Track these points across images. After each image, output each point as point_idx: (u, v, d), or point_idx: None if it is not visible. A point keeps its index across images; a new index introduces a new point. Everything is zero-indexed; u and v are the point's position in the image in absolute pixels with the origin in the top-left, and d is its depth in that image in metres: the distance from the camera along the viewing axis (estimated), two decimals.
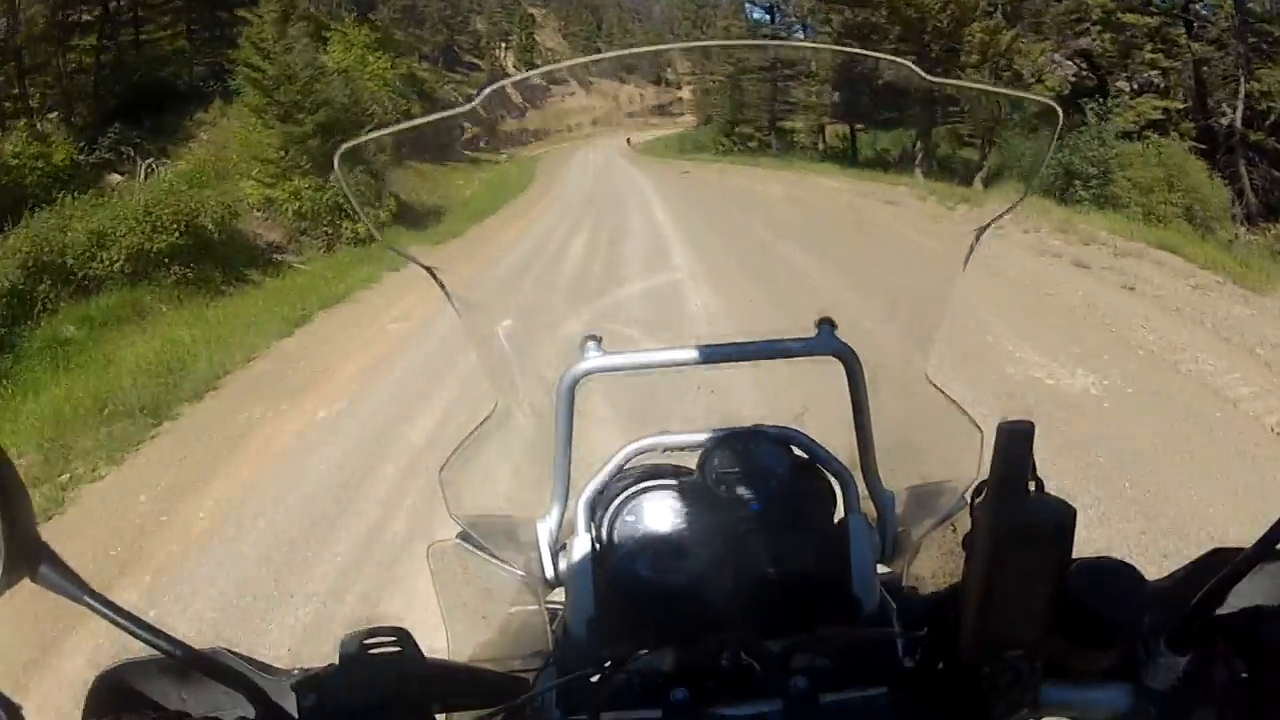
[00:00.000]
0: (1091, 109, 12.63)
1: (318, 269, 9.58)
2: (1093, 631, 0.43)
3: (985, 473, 0.39)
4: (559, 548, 0.68)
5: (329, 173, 10.32)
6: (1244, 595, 0.43)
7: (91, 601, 0.39)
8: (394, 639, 0.47)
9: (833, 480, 0.68)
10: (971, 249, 0.66)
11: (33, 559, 0.38)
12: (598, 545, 0.65)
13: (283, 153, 11.14)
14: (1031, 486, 0.40)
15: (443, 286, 0.63)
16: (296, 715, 0.44)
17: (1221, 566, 0.42)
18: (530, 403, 0.72)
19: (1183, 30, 13.62)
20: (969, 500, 0.44)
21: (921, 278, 0.74)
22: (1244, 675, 0.42)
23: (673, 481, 0.67)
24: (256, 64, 11.17)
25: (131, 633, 0.40)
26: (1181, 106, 13.29)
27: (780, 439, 0.68)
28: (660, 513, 0.66)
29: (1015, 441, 0.38)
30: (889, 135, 16.95)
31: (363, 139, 0.70)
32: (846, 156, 17.25)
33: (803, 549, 0.65)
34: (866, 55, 1.17)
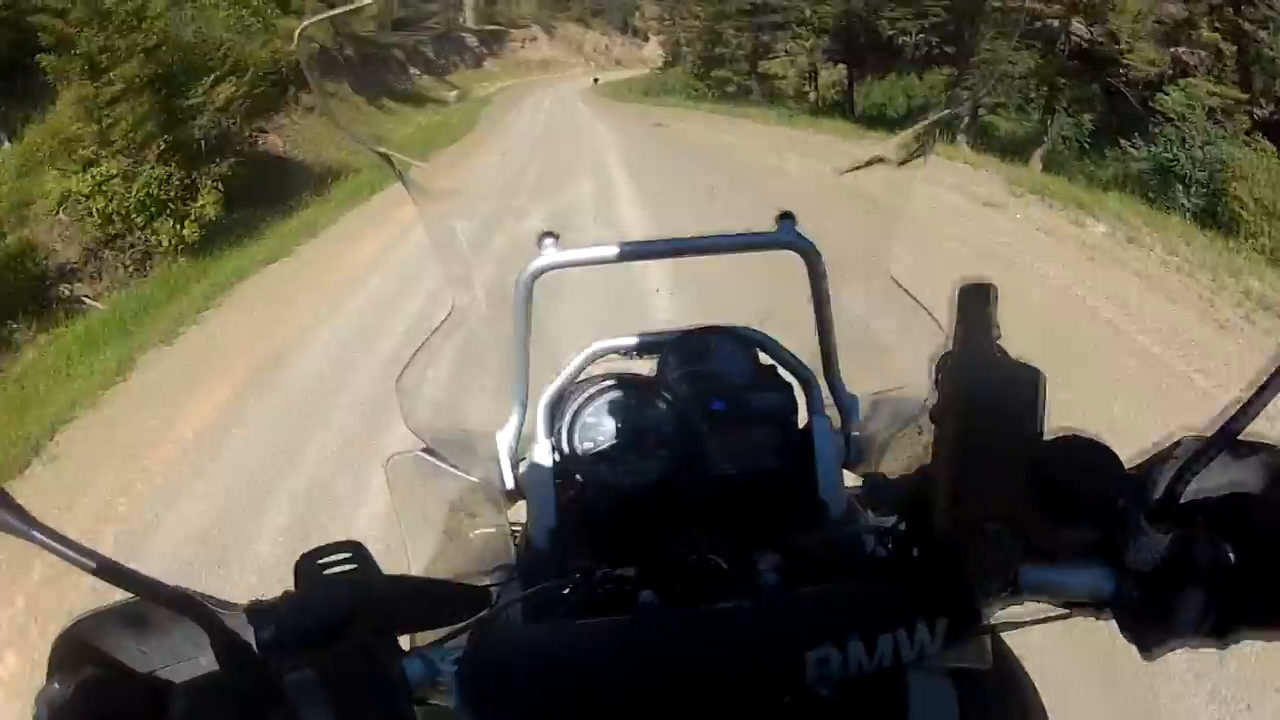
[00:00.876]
0: (1180, 94, 10.84)
1: (117, 309, 6.73)
2: (1069, 506, 0.46)
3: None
4: (519, 458, 0.73)
5: (148, 151, 8.19)
6: (1224, 483, 0.48)
7: (42, 538, 0.41)
8: (349, 555, 0.50)
9: (795, 383, 0.74)
10: (933, 138, 0.73)
11: None
12: (558, 453, 0.70)
13: (95, 126, 8.00)
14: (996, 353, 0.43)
15: (401, 177, 0.67)
16: (253, 645, 0.46)
17: (1189, 449, 0.45)
18: (487, 303, 0.77)
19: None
20: (933, 370, 0.46)
21: (884, 171, 0.80)
22: (1231, 559, 0.45)
23: (631, 382, 0.72)
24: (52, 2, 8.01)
25: (84, 566, 0.42)
26: (1243, 96, 12.86)
27: (740, 338, 0.75)
28: (620, 416, 0.71)
29: (977, 303, 0.41)
30: (884, 85, 16.81)
31: (322, 16, 0.73)
32: (841, 108, 16.41)
33: (767, 451, 0.71)
34: None
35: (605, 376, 0.74)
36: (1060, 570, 0.49)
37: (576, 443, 0.71)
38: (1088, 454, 0.47)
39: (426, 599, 0.55)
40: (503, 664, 0.49)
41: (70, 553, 0.42)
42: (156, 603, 0.45)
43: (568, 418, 0.71)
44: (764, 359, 0.76)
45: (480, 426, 0.75)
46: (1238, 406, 0.44)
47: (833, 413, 0.75)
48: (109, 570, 0.43)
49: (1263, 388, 0.43)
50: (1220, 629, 0.47)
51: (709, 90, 19.05)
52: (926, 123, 0.76)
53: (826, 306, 0.74)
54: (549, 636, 0.52)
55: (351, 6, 0.82)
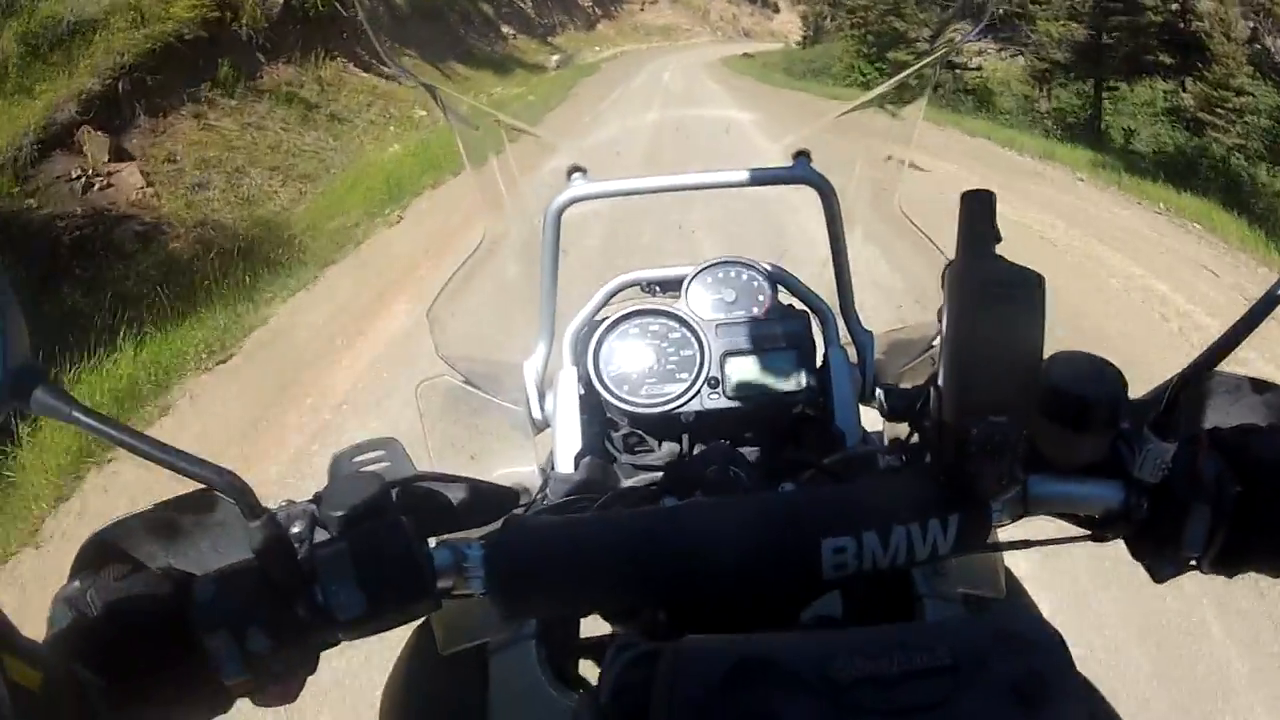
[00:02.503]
0: None
1: None
2: (1073, 415, 0.56)
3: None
4: (546, 385, 0.94)
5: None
6: (1228, 418, 0.60)
7: (87, 419, 0.48)
8: (382, 452, 0.63)
9: (812, 316, 0.93)
10: (936, 75, 0.91)
11: (27, 383, 0.47)
12: (582, 377, 0.90)
13: None
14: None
15: (443, 107, 0.87)
16: (281, 545, 0.54)
17: (1186, 378, 0.56)
18: (518, 234, 0.98)
19: None
20: (939, 277, 0.55)
21: (891, 107, 0.99)
22: (1235, 480, 0.56)
23: (653, 307, 0.92)
24: None
25: (127, 446, 0.49)
26: None
27: (761, 270, 0.94)
28: (643, 342, 0.91)
29: (979, 205, 0.50)
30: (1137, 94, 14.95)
31: None
32: (1069, 125, 14.92)
33: (784, 378, 0.89)
34: None
35: (628, 307, 0.94)
36: (1068, 483, 0.60)
37: (601, 368, 0.91)
38: (1093, 369, 0.57)
39: (457, 498, 0.66)
40: (529, 551, 0.59)
41: (111, 430, 0.49)
42: (197, 479, 0.52)
43: (592, 347, 0.91)
44: (782, 294, 0.95)
45: (509, 352, 0.96)
46: (1232, 329, 0.54)
47: (849, 346, 0.93)
48: (152, 448, 0.50)
49: (1254, 312, 0.53)
50: (1227, 555, 0.58)
51: (881, 76, 17.70)
52: (924, 63, 0.94)
53: (841, 241, 0.93)
54: (574, 525, 0.62)
55: None
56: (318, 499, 0.58)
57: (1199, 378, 0.56)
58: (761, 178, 0.95)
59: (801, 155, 0.94)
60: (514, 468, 0.89)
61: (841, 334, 0.94)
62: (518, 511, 0.67)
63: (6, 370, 0.46)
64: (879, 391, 0.74)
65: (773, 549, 0.57)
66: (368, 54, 12.19)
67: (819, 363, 0.92)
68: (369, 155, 9.82)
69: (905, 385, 0.83)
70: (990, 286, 0.50)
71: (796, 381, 0.91)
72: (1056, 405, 0.56)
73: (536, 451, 0.92)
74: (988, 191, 0.50)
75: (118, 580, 0.53)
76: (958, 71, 16.81)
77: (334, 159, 9.65)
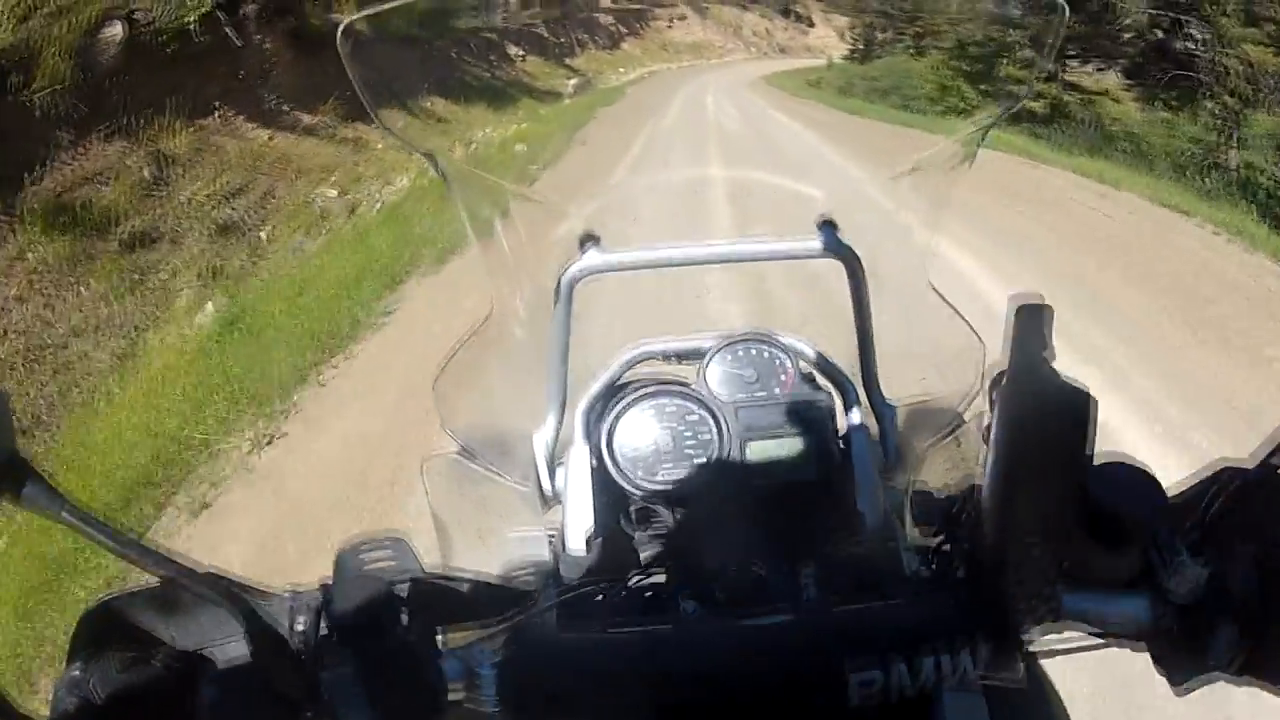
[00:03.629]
0: None
1: None
2: (1111, 532, 0.62)
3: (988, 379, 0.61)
4: (556, 461, 1.02)
5: None
6: (1267, 516, 0.64)
7: (72, 519, 0.54)
8: (389, 550, 0.69)
9: (834, 391, 1.02)
10: (977, 147, 1.00)
11: (17, 479, 0.53)
12: (596, 456, 0.99)
13: None
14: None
15: (443, 175, 0.96)
16: (290, 637, 0.62)
17: (1231, 480, 0.63)
18: (527, 306, 1.07)
19: None
20: (986, 392, 0.63)
21: (927, 178, 1.08)
22: (1265, 596, 0.62)
23: (671, 388, 1.01)
24: None
25: (116, 552, 0.55)
26: None
27: (781, 345, 1.03)
28: (659, 422, 1.00)
29: (1032, 320, 0.56)
30: None
31: (368, 13, 0.92)
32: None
33: (805, 459, 0.98)
34: None
35: (644, 382, 1.03)
36: (1100, 597, 0.68)
37: (615, 448, 0.99)
38: (1132, 480, 0.64)
39: (466, 597, 0.74)
40: (541, 668, 0.67)
41: (97, 534, 0.55)
42: (188, 588, 0.59)
43: (606, 422, 1.00)
44: (803, 366, 1.04)
45: (517, 426, 1.04)
46: (1277, 441, 0.61)
47: (870, 421, 1.02)
48: (137, 552, 0.56)
49: None
50: (1251, 667, 0.64)
51: (983, 99, 16.69)
52: (975, 129, 1.03)
53: (867, 314, 1.02)
54: (587, 643, 0.70)
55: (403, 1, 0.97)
56: (325, 591, 0.66)
57: (1241, 485, 0.63)
58: (784, 250, 1.04)
59: (828, 224, 1.02)
60: (523, 548, 0.97)
61: (864, 409, 1.03)
62: (525, 613, 0.73)
63: None
64: (907, 492, 0.84)
65: (796, 679, 0.65)
66: (283, 99, 11.15)
67: (840, 439, 1.01)
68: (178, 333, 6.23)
69: (932, 480, 0.91)
70: (1041, 407, 0.57)
71: (817, 461, 0.99)
72: (1096, 522, 0.62)
73: (546, 527, 1.00)
74: (1044, 304, 0.56)
75: (121, 670, 0.60)
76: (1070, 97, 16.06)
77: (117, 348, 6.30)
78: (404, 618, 0.67)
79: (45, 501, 0.54)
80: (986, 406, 0.63)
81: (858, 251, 1.02)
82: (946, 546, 0.76)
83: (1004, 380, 0.58)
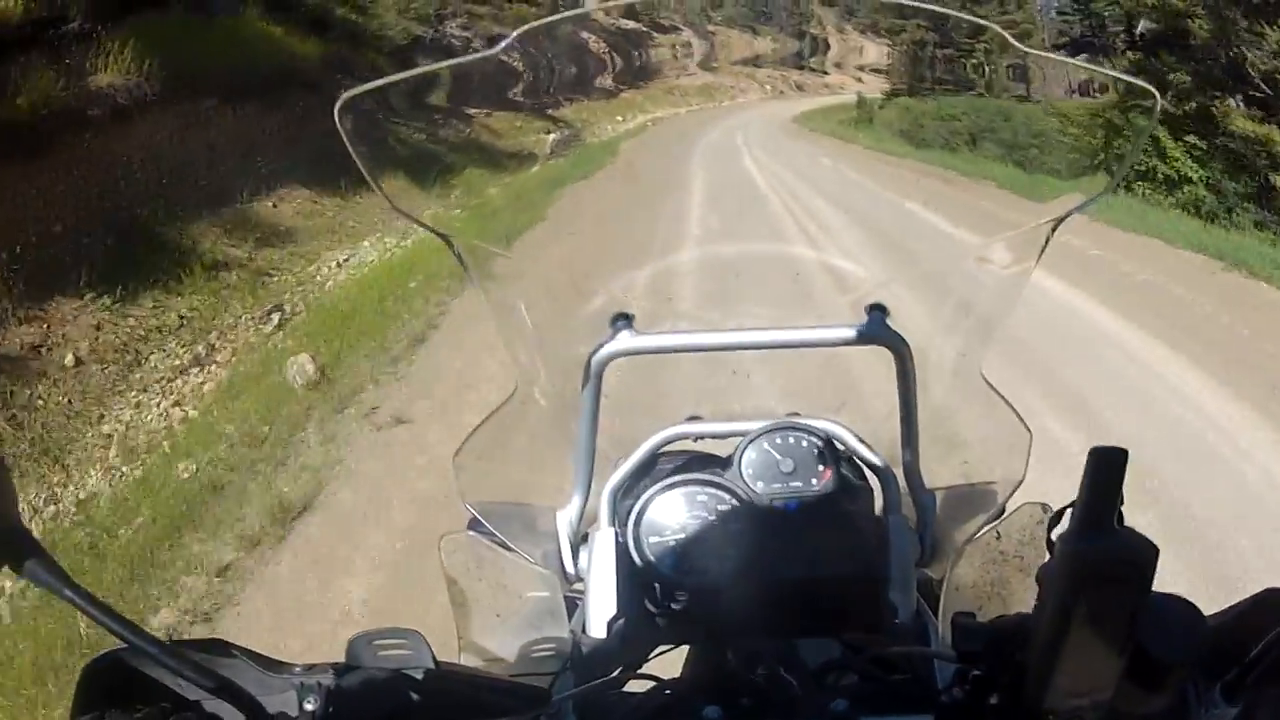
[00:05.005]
0: None
1: None
2: (1152, 675, 0.69)
3: (1033, 481, 0.78)
4: (580, 540, 1.16)
5: None
6: None
7: (73, 596, 0.64)
8: (404, 641, 0.78)
9: (872, 478, 1.16)
10: (1047, 241, 1.11)
11: (17, 550, 0.63)
12: (622, 540, 1.12)
13: None
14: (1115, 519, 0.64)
15: (460, 258, 1.09)
16: (296, 715, 0.73)
17: (1277, 605, 0.73)
18: (554, 385, 1.20)
19: None
20: (1044, 526, 0.72)
21: (991, 269, 1.20)
22: None
23: (704, 477, 1.14)
24: None
25: (113, 630, 0.65)
26: None
27: (820, 433, 1.17)
28: (690, 509, 1.13)
29: (1108, 469, 0.62)
30: None
31: (366, 87, 1.07)
32: None
33: (839, 552, 1.11)
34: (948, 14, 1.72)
35: (675, 467, 1.17)
36: None
37: (643, 533, 1.13)
38: (1177, 620, 0.70)
39: (480, 694, 0.84)
40: None
41: (98, 614, 0.65)
42: (193, 664, 0.70)
43: (635, 507, 1.14)
44: (839, 448, 1.17)
45: (540, 506, 1.18)
46: None
47: (908, 510, 1.16)
48: (137, 634, 0.66)
49: None
50: None
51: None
52: (1042, 223, 1.13)
53: (913, 402, 1.16)
54: None
55: (405, 74, 1.12)
56: (336, 674, 0.77)
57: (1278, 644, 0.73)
58: (831, 337, 1.16)
59: (877, 309, 1.14)
60: (542, 629, 1.09)
61: (903, 498, 1.17)
62: (540, 712, 0.85)
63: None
64: (948, 618, 0.92)
65: None
66: None
67: (876, 530, 1.14)
68: None
69: (965, 565, 1.04)
70: (1103, 558, 0.65)
71: (852, 555, 1.13)
72: (1139, 666, 0.70)
73: (566, 608, 1.12)
74: (1121, 451, 0.63)
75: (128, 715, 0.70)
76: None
77: None
78: (415, 712, 0.78)
79: (47, 576, 0.65)
80: (1046, 549, 0.72)
81: (907, 339, 1.14)
82: (982, 672, 0.84)
83: (1069, 527, 0.67)
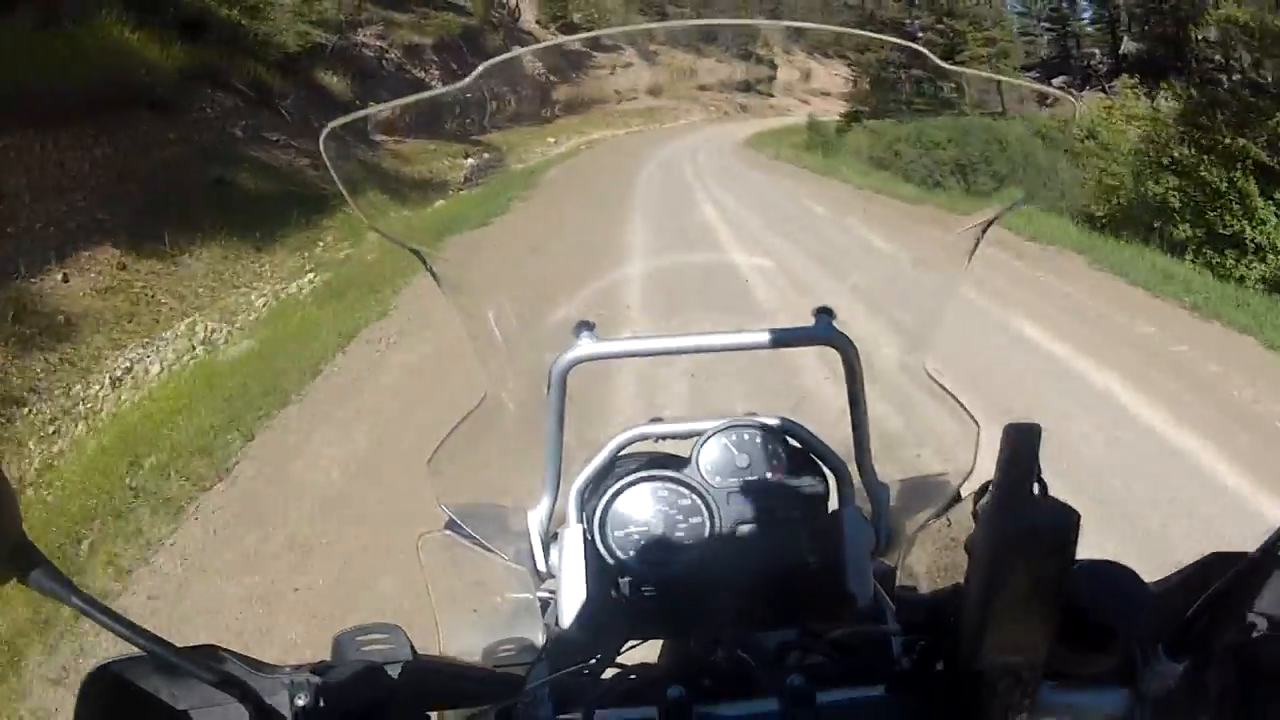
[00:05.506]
0: None
1: None
2: (1092, 636, 0.80)
3: (985, 470, 0.77)
4: (550, 538, 1.32)
5: None
6: (1246, 611, 0.84)
7: (80, 603, 0.72)
8: (386, 636, 0.91)
9: (827, 472, 1.34)
10: (977, 244, 1.32)
11: (22, 561, 0.71)
12: (589, 536, 1.29)
13: None
14: (1035, 489, 0.73)
15: (431, 270, 1.26)
16: (289, 714, 0.83)
17: (1221, 569, 0.81)
18: (521, 391, 1.37)
19: None
20: (971, 500, 0.83)
21: (928, 272, 1.40)
22: (1241, 693, 0.81)
23: (666, 473, 1.32)
24: None
25: (119, 633, 0.74)
26: None
27: (774, 429, 1.35)
28: (653, 504, 1.31)
29: (1022, 443, 0.71)
30: None
31: (351, 117, 1.26)
32: None
33: (796, 542, 1.29)
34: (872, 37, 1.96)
35: (637, 466, 1.35)
36: (1078, 694, 0.89)
37: (608, 529, 1.30)
38: (1114, 582, 0.84)
39: (459, 682, 0.97)
40: None
41: (104, 618, 0.74)
42: (190, 670, 0.79)
43: (600, 504, 1.31)
44: (794, 444, 1.36)
45: (512, 506, 1.34)
46: (1270, 533, 0.79)
47: (863, 502, 1.34)
48: (142, 636, 0.76)
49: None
50: None
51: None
52: (973, 225, 1.35)
53: (861, 399, 1.34)
54: None
55: (380, 107, 1.34)
56: (322, 672, 0.87)
57: (1222, 596, 0.82)
58: (781, 338, 1.35)
59: (824, 312, 1.34)
60: (516, 624, 1.26)
61: (856, 490, 1.35)
62: (515, 698, 0.98)
63: (3, 548, 0.70)
64: (896, 595, 1.13)
65: None
66: None
67: (832, 521, 1.32)
68: None
69: (919, 550, 1.20)
70: (1024, 537, 0.74)
71: (809, 544, 1.31)
72: (1076, 624, 0.81)
73: (539, 604, 1.30)
74: (1034, 426, 0.73)
75: None
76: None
77: None
78: (398, 702, 0.90)
79: (52, 584, 0.73)
80: (971, 520, 0.83)
81: (853, 339, 1.33)
82: (928, 642, 0.97)
83: (989, 500, 0.77)
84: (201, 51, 16.99)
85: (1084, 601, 0.81)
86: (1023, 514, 0.73)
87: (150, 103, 14.39)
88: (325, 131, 1.18)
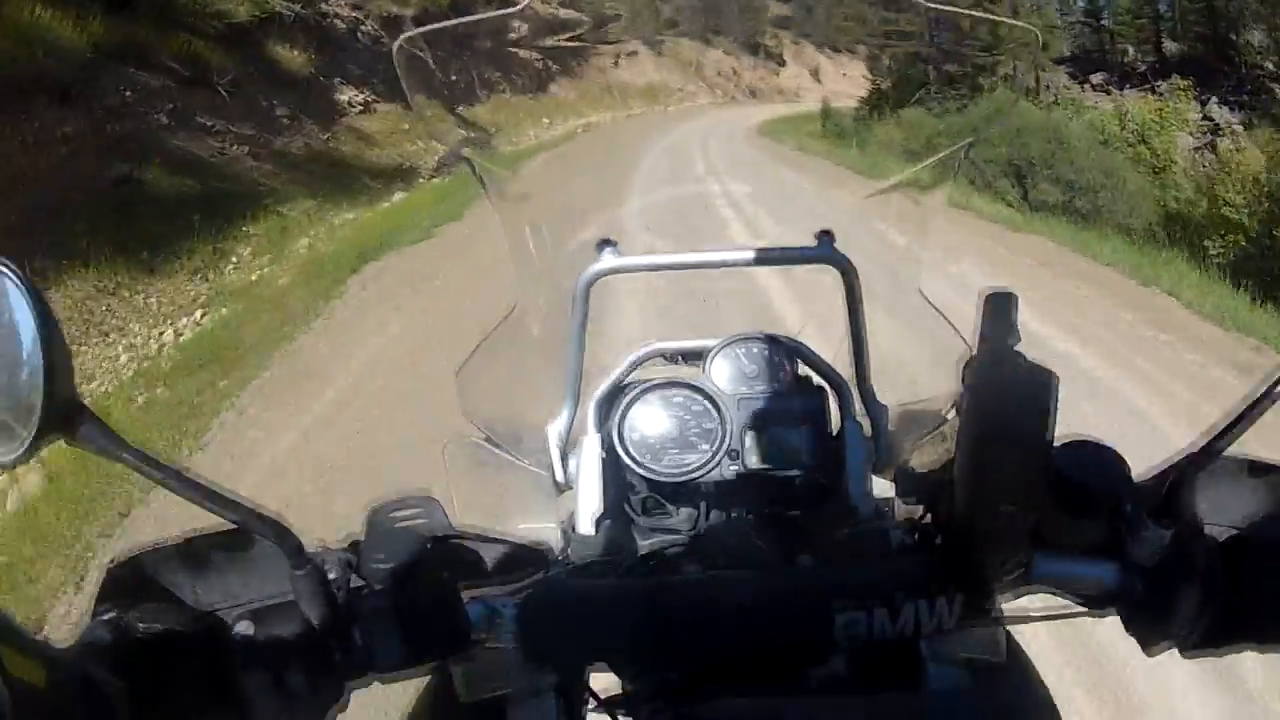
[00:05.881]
0: None
1: None
2: (1079, 502, 0.89)
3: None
4: (569, 450, 1.48)
5: None
6: (1229, 499, 0.94)
7: (130, 458, 0.75)
8: (420, 509, 0.94)
9: (830, 390, 1.51)
10: (960, 161, 1.51)
11: (71, 419, 0.73)
12: (606, 446, 1.44)
13: None
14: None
15: (480, 180, 1.40)
16: (322, 589, 0.86)
17: (1197, 460, 0.89)
18: (547, 304, 1.53)
19: None
20: (958, 369, 0.86)
21: (911, 192, 1.57)
22: (1227, 562, 0.89)
23: (678, 379, 1.48)
24: None
25: (171, 488, 0.77)
26: None
27: (782, 344, 1.52)
28: (666, 412, 1.47)
29: (1000, 308, 0.81)
30: None
31: (421, 30, 1.31)
32: None
33: (802, 452, 1.45)
34: None
35: (653, 377, 1.51)
36: (1070, 563, 0.96)
37: (625, 436, 1.46)
38: (1098, 457, 0.93)
39: (489, 556, 1.00)
40: (558, 610, 0.96)
41: (156, 472, 0.76)
42: (241, 525, 0.82)
43: (617, 412, 1.47)
44: (801, 366, 1.53)
45: (534, 416, 1.50)
46: (1235, 416, 0.87)
47: (864, 419, 1.51)
48: (197, 491, 0.78)
49: (1259, 399, 0.86)
50: (1213, 634, 0.91)
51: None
52: (949, 151, 1.53)
53: (861, 320, 1.52)
54: (600, 590, 1.03)
55: (450, 23, 1.45)
56: (355, 548, 0.93)
57: (1201, 463, 0.90)
58: (785, 257, 1.56)
59: (825, 235, 1.53)
60: (536, 525, 1.41)
61: (857, 407, 1.52)
62: (543, 573, 1.04)
63: (53, 401, 0.71)
64: (894, 471, 1.23)
65: (788, 619, 0.95)
66: None
67: (835, 436, 1.49)
68: None
69: (918, 465, 1.24)
70: (1007, 385, 0.81)
71: (813, 454, 1.47)
72: (1063, 492, 0.90)
73: (558, 511, 1.45)
74: (1009, 292, 0.82)
75: (154, 608, 0.82)
76: None
77: None
78: (433, 567, 0.93)
79: (102, 441, 0.75)
80: (958, 385, 0.88)
81: (853, 260, 1.51)
82: (928, 518, 1.07)
83: (972, 362, 0.84)
84: (125, 26, 15.04)
85: (1070, 471, 0.91)
86: (1005, 372, 0.82)
87: (47, 91, 12.61)
88: (397, 44, 1.28)
